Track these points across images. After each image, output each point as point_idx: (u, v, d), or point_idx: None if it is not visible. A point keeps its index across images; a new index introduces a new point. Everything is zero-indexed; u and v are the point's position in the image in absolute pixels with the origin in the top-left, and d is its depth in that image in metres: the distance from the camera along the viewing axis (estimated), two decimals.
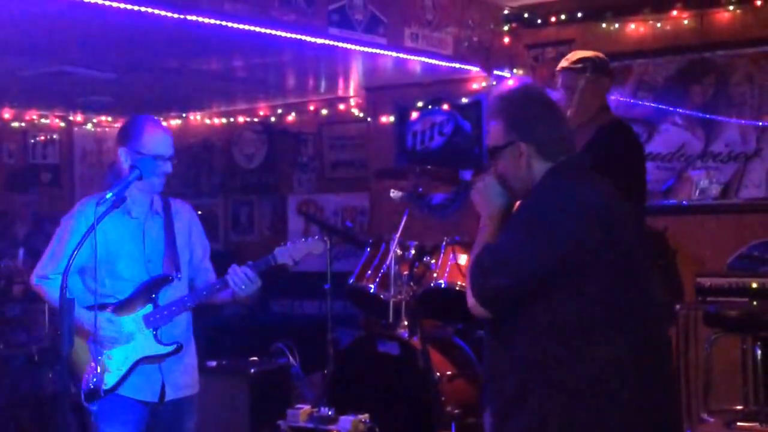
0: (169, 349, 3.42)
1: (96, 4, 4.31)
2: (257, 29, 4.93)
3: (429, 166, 5.38)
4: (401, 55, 5.88)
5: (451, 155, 7.08)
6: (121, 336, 3.35)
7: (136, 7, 4.43)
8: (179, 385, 3.51)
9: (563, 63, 4.06)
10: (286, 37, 5.08)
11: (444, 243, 5.13)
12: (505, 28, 6.66)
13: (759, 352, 5.10)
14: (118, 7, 4.37)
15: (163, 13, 4.54)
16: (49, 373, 5.69)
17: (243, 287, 3.42)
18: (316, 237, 3.66)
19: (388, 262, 5.09)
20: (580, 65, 3.98)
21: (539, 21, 6.60)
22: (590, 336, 2.39)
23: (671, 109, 6.16)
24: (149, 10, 4.48)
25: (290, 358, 6.16)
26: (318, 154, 8.76)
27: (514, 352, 2.46)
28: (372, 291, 5.15)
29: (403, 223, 5.15)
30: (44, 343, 5.97)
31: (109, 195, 3.15)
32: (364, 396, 4.99)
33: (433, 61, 6.16)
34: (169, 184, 3.52)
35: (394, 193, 5.10)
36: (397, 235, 5.09)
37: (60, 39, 5.55)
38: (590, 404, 2.37)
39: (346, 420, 4.67)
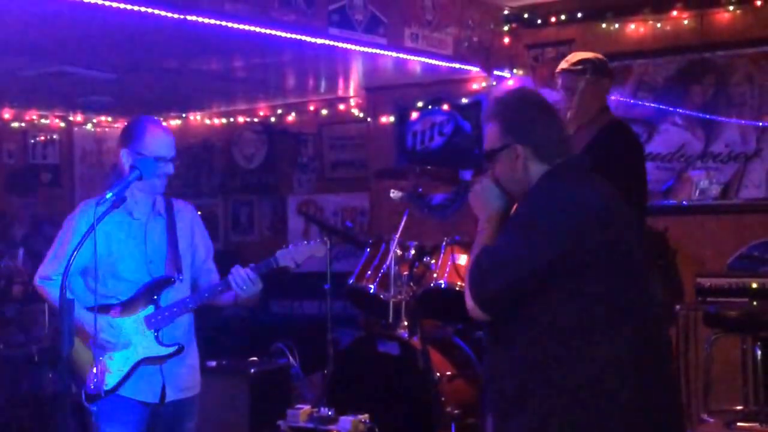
0: (170, 350, 3.42)
1: (96, 4, 4.31)
2: (257, 29, 4.93)
3: (429, 167, 5.39)
4: (401, 56, 5.88)
5: (451, 155, 7.09)
6: (119, 342, 3.35)
7: (136, 7, 4.43)
8: (180, 387, 3.51)
9: (563, 65, 4.06)
10: (286, 37, 5.09)
11: (444, 243, 5.13)
12: (505, 28, 6.66)
13: (759, 352, 5.10)
14: (118, 7, 4.37)
15: (163, 13, 4.54)
16: (49, 373, 5.69)
17: (244, 288, 3.42)
18: (318, 240, 3.65)
19: (388, 263, 5.09)
20: (580, 67, 3.99)
21: (539, 21, 6.60)
22: (590, 336, 2.39)
23: (671, 109, 6.16)
24: (149, 10, 4.49)
25: (290, 358, 6.17)
26: (318, 155, 8.76)
27: (514, 352, 2.46)
28: (372, 291, 5.15)
29: (403, 223, 5.15)
30: (44, 343, 5.97)
31: (108, 195, 3.15)
32: (364, 396, 4.99)
33: (433, 62, 6.16)
34: (169, 184, 3.52)
35: (394, 193, 5.10)
36: (397, 236, 5.09)
37: (60, 39, 5.55)
38: (590, 404, 2.37)
39: (346, 420, 4.66)
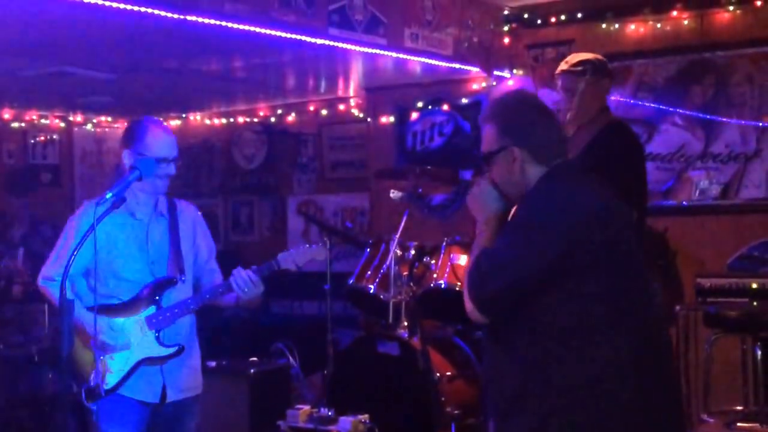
0: (171, 351, 3.42)
1: (96, 4, 4.31)
2: (257, 29, 4.93)
3: (429, 167, 5.39)
4: (401, 56, 5.88)
5: (451, 155, 7.08)
6: (117, 344, 3.36)
7: (136, 7, 4.43)
8: (181, 387, 3.51)
9: (563, 66, 4.06)
10: (286, 37, 5.08)
11: (444, 243, 5.13)
12: (505, 28, 6.66)
13: (759, 352, 5.09)
14: (118, 7, 4.37)
15: (163, 13, 4.54)
16: (49, 373, 5.70)
17: (246, 290, 3.43)
18: (320, 244, 3.66)
19: (387, 263, 5.09)
20: (579, 68, 3.99)
21: (539, 21, 6.60)
22: (590, 336, 2.39)
23: (671, 109, 6.15)
24: (149, 10, 4.49)
25: (290, 358, 6.16)
26: (318, 155, 8.75)
27: (514, 352, 2.46)
28: (372, 291, 5.15)
29: (403, 224, 5.15)
30: (44, 343, 5.98)
31: (108, 195, 3.16)
32: (364, 396, 4.99)
33: (433, 62, 6.16)
34: (169, 184, 3.52)
35: (394, 194, 5.10)
36: (397, 236, 5.09)
37: (60, 39, 5.55)
38: (590, 404, 2.37)
39: (346, 420, 4.67)
